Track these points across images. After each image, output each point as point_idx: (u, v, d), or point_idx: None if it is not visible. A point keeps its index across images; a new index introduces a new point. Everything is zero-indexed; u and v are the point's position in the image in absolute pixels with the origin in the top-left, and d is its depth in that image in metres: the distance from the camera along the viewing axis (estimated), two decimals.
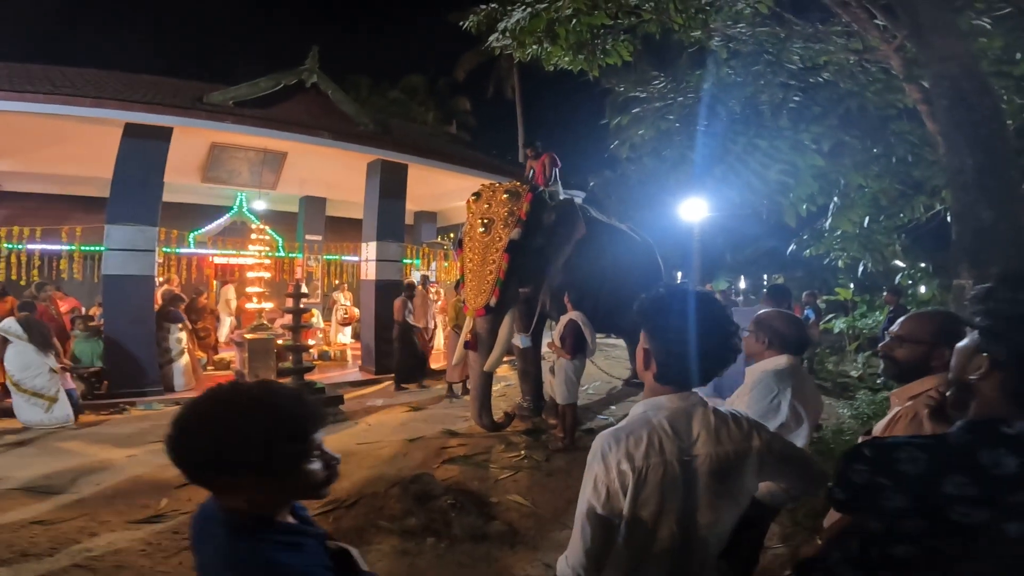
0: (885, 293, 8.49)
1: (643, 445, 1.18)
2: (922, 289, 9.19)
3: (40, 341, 5.67)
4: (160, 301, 7.62)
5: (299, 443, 0.95)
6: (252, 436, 0.90)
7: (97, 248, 7.93)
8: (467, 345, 5.26)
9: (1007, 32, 4.32)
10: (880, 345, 1.82)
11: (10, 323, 5.61)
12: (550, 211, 5.49)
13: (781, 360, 2.03)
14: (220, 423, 0.91)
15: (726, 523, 1.26)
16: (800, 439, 1.90)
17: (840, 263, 7.09)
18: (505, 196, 5.30)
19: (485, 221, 5.26)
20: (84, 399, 6.35)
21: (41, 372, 5.63)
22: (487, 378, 5.22)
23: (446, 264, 12.34)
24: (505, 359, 6.07)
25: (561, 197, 6.15)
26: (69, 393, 6.09)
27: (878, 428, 1.74)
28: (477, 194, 5.55)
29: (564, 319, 5.47)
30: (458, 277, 5.96)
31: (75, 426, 5.76)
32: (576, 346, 5.31)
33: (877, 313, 10.29)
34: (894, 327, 1.78)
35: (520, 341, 6.03)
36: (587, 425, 5.96)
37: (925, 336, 1.65)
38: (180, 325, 7.50)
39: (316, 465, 0.97)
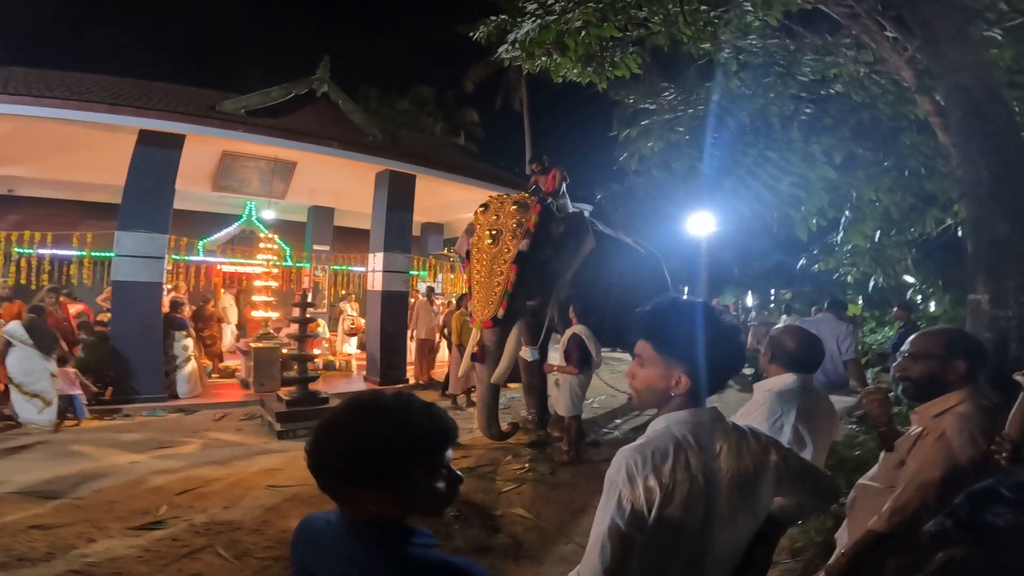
0: (896, 309, 8.37)
1: (669, 460, 1.16)
2: (932, 306, 9.07)
3: (45, 346, 5.69)
4: (167, 308, 7.65)
5: (429, 458, 0.94)
6: (386, 449, 0.90)
7: (107, 254, 7.98)
8: (474, 357, 5.21)
9: (1017, 42, 4.28)
10: (894, 366, 1.80)
11: (16, 327, 5.63)
12: (559, 223, 5.47)
13: (788, 379, 1.92)
14: (356, 434, 0.91)
15: (743, 537, 1.25)
16: None
17: (850, 278, 6.99)
18: (514, 207, 5.29)
19: (493, 232, 5.24)
20: (88, 404, 6.35)
21: (43, 377, 5.66)
22: (495, 390, 5.17)
23: (452, 276, 12.34)
24: None
25: (570, 210, 6.13)
26: (75, 398, 6.11)
27: (902, 444, 1.70)
28: (485, 205, 5.53)
29: (568, 333, 5.43)
30: (465, 289, 5.92)
31: (51, 429, 5.71)
32: (582, 360, 5.27)
33: (887, 329, 10.18)
34: (904, 346, 1.77)
35: (528, 354, 5.98)
36: (592, 438, 5.90)
37: (937, 351, 1.67)
38: (186, 332, 7.52)
39: (441, 483, 0.95)
